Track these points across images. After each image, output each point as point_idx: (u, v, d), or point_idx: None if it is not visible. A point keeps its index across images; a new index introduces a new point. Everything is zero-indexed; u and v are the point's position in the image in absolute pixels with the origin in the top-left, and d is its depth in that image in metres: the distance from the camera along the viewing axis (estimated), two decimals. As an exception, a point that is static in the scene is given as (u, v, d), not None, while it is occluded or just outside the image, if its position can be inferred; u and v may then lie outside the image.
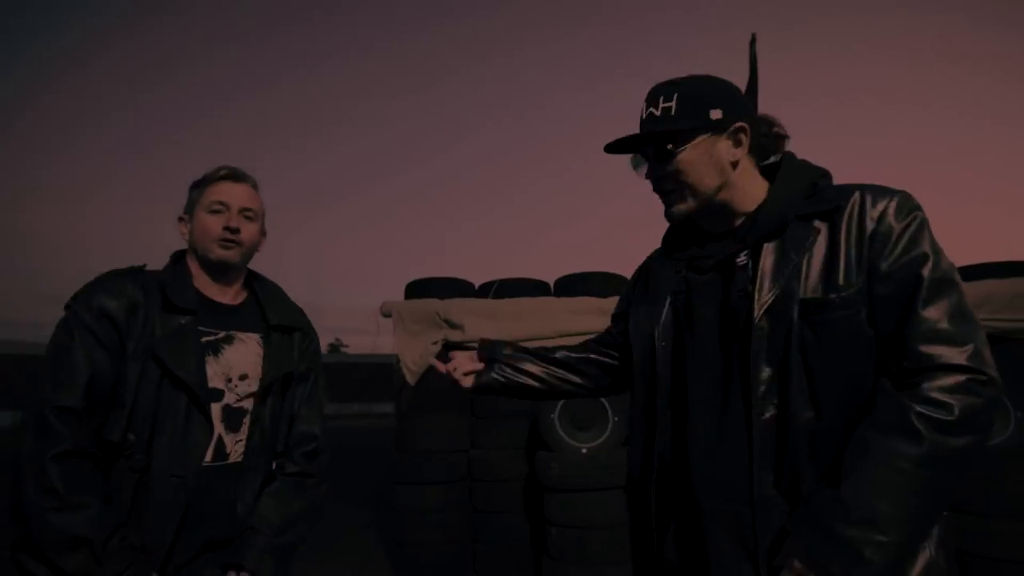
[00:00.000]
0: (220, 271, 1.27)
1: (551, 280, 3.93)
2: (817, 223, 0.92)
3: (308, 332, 1.40)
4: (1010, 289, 3.45)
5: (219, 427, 1.19)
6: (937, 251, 0.87)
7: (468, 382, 1.26)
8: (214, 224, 1.23)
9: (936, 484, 0.80)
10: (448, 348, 3.58)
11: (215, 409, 1.19)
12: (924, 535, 0.85)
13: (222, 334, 1.23)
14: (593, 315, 3.58)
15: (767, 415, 0.89)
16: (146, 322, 1.13)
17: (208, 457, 1.16)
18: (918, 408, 0.79)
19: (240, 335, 1.26)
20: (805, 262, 0.90)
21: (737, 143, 0.97)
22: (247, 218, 1.27)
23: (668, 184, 0.98)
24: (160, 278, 1.22)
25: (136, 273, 1.21)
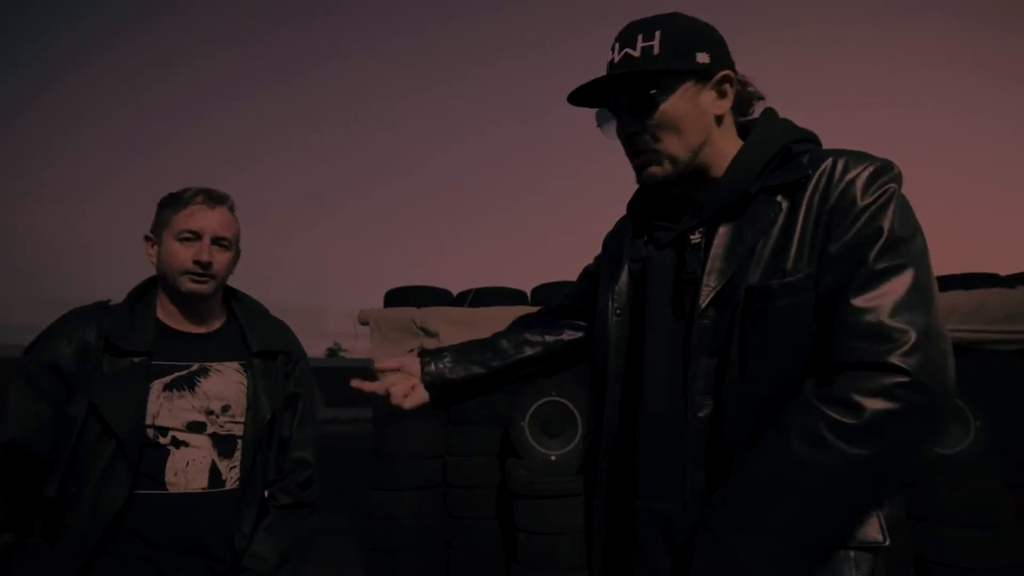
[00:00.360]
0: (190, 302, 1.21)
1: (528, 288, 4.00)
2: (780, 197, 0.79)
3: (294, 353, 1.32)
4: (975, 300, 3.52)
5: (212, 453, 1.15)
6: (898, 229, 0.73)
7: (410, 403, 1.05)
8: (184, 256, 1.15)
9: (834, 492, 0.69)
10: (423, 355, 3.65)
11: (202, 439, 1.14)
12: (827, 546, 0.73)
13: (195, 366, 1.18)
14: (566, 324, 3.65)
15: (703, 413, 0.80)
16: (95, 366, 1.09)
17: (204, 483, 1.13)
18: (823, 408, 0.69)
19: (216, 365, 1.20)
20: (760, 244, 0.78)
21: (722, 94, 0.84)
22: (222, 247, 1.20)
23: (643, 142, 0.84)
24: (112, 317, 1.15)
25: (97, 311, 1.15)
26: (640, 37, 0.81)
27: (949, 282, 3.70)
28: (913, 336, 0.68)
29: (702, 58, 0.82)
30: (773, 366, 0.77)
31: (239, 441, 1.18)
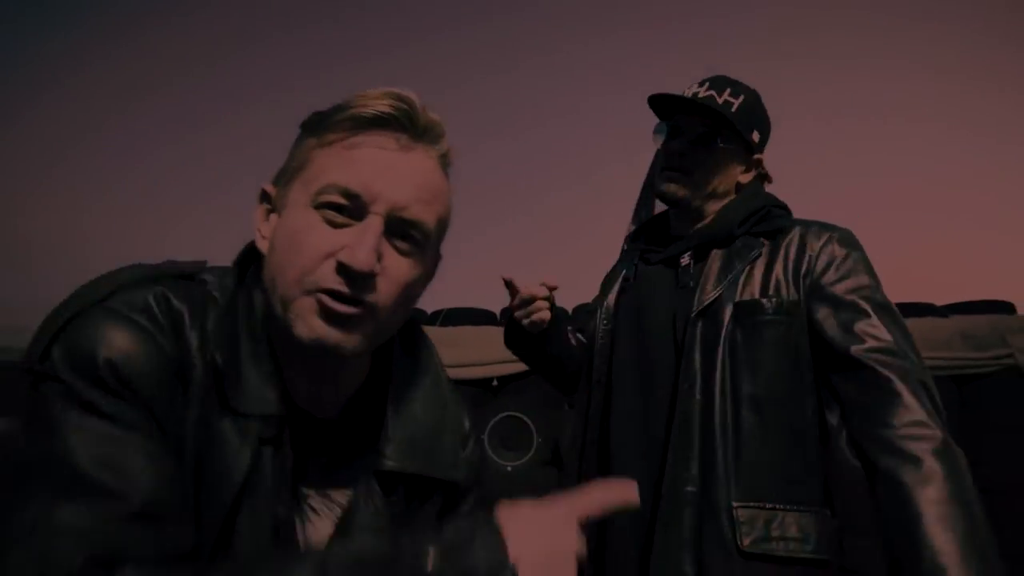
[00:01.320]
0: (316, 375, 0.53)
1: (498, 309, 4.30)
2: (763, 240, 0.97)
3: (467, 492, 0.81)
4: (950, 329, 3.82)
5: None
6: (878, 281, 0.94)
7: (540, 317, 1.03)
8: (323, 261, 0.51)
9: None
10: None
11: None
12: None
13: (329, 506, 0.61)
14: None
15: (691, 409, 0.90)
16: None
17: None
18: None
19: (334, 492, 0.66)
20: (746, 272, 0.95)
21: (748, 170, 1.03)
22: (407, 245, 0.53)
23: (683, 165, 0.98)
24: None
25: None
26: (728, 91, 0.97)
27: (914, 309, 3.97)
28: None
29: (755, 136, 1.00)
30: (756, 366, 0.91)
31: None
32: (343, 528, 0.53)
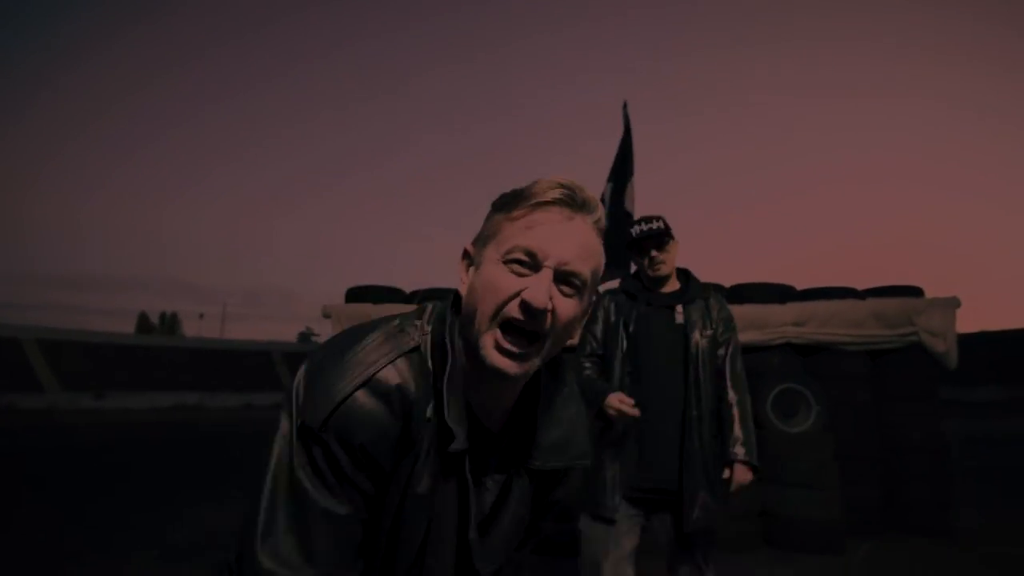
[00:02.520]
0: (496, 399, 0.87)
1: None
2: (703, 302, 1.96)
3: (568, 479, 1.04)
4: (831, 309, 4.30)
5: None
6: (735, 327, 1.99)
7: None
8: (506, 293, 0.79)
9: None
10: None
11: None
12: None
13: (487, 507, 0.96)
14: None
15: (693, 381, 1.86)
16: None
17: None
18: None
19: (491, 479, 0.90)
20: (703, 316, 1.93)
21: (677, 250, 1.99)
22: (572, 287, 0.78)
23: (662, 259, 1.93)
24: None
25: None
26: (655, 220, 1.94)
27: (813, 294, 4.48)
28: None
29: (676, 236, 1.99)
30: (714, 364, 1.93)
31: None
32: (502, 499, 0.73)
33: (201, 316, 57.56)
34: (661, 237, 1.91)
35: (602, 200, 4.68)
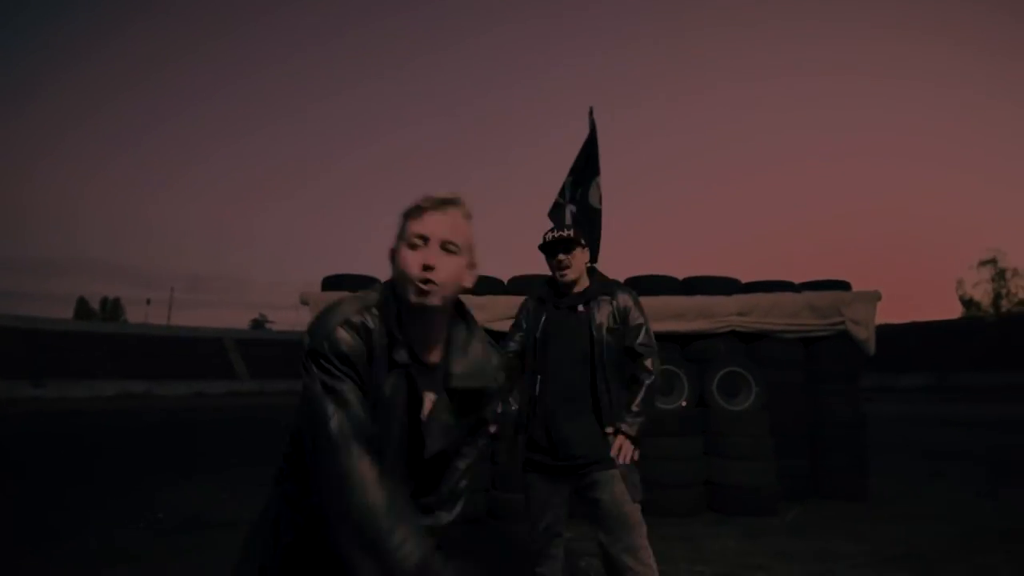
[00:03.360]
0: (418, 317, 1.04)
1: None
2: (608, 298, 2.11)
3: (491, 398, 1.22)
4: (771, 300, 4.76)
5: None
6: (643, 314, 2.13)
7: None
8: (412, 262, 1.02)
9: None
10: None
11: None
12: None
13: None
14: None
15: (597, 371, 2.03)
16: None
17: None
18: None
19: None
20: (608, 313, 2.07)
21: (584, 257, 2.15)
22: (448, 250, 1.04)
23: (568, 264, 2.09)
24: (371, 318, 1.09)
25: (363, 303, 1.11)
26: (567, 229, 2.11)
27: (755, 287, 4.94)
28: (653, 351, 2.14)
29: (584, 241, 2.15)
30: (615, 359, 2.06)
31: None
32: (434, 411, 1.05)
33: (148, 302, 54.92)
34: (568, 243, 2.08)
35: (562, 191, 4.95)
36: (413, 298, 1.00)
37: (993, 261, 30.65)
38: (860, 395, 4.86)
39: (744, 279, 5.07)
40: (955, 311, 31.69)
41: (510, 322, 5.08)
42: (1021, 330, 23.69)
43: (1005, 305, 29.74)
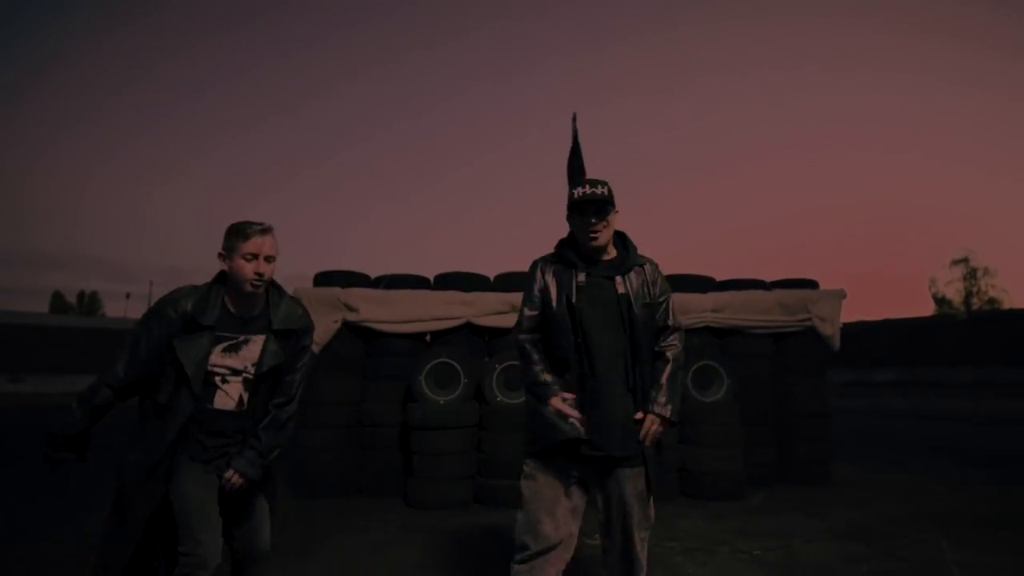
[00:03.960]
0: (248, 297, 1.82)
1: (432, 275, 5.08)
2: (639, 269, 1.92)
3: (303, 333, 1.93)
4: (743, 297, 5.03)
5: (241, 390, 1.81)
6: (669, 286, 1.98)
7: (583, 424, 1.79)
8: (248, 269, 1.76)
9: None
10: (346, 326, 4.66)
11: (237, 381, 1.81)
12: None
13: (241, 338, 1.82)
14: (457, 304, 4.78)
15: (635, 348, 1.82)
16: (183, 328, 1.77)
17: (233, 407, 1.80)
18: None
19: (252, 337, 1.83)
20: (642, 284, 1.88)
21: (616, 221, 1.92)
22: (268, 260, 1.79)
23: (603, 227, 1.84)
24: (199, 298, 1.79)
25: (191, 292, 1.82)
26: (600, 186, 1.86)
27: (729, 284, 5.21)
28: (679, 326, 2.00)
29: (617, 205, 1.90)
30: (650, 331, 1.88)
31: (252, 384, 1.84)
32: (267, 344, 1.85)
33: (128, 296, 54.05)
34: (603, 205, 1.83)
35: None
36: (249, 289, 1.79)
37: (965, 260, 31.56)
38: (826, 388, 5.16)
39: (719, 277, 5.33)
40: (928, 309, 32.62)
41: (497, 317, 5.28)
42: (989, 328, 24.54)
43: (976, 303, 30.69)
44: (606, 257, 1.91)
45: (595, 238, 1.84)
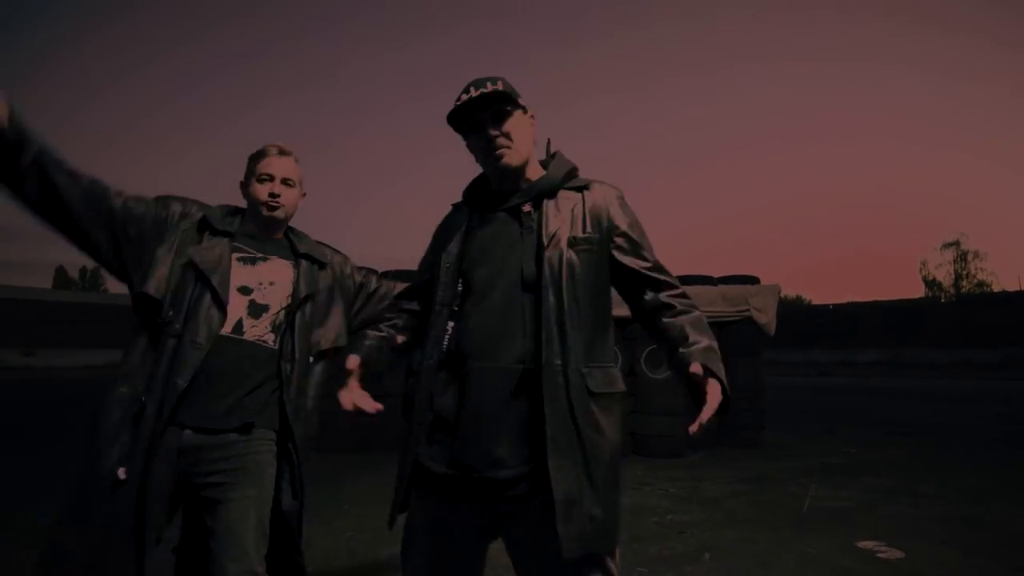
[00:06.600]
0: (267, 225, 1.60)
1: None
2: (573, 194, 1.30)
3: (329, 261, 1.70)
4: (717, 292, 5.97)
5: (242, 312, 1.49)
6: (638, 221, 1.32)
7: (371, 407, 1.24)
8: (262, 191, 1.56)
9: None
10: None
11: (242, 299, 1.50)
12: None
13: (259, 255, 1.57)
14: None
15: (548, 308, 1.17)
16: (186, 232, 1.51)
17: (227, 329, 1.46)
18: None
19: (273, 258, 1.59)
20: (569, 214, 1.26)
21: (532, 125, 1.34)
22: (286, 184, 1.59)
23: (504, 140, 1.25)
24: (215, 211, 1.58)
25: (206, 206, 1.59)
26: (488, 83, 1.26)
27: (699, 280, 6.13)
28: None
29: (522, 101, 1.32)
30: (583, 278, 1.21)
31: (268, 310, 1.53)
32: (302, 269, 1.61)
33: (136, 273, 54.33)
34: (497, 103, 1.26)
35: None
36: (266, 212, 1.57)
37: (956, 243, 32.18)
38: (761, 367, 6.11)
39: (676, 272, 6.25)
40: (919, 291, 33.37)
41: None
42: (976, 310, 25.34)
43: (965, 286, 31.38)
44: (523, 185, 1.34)
45: (499, 153, 1.28)
